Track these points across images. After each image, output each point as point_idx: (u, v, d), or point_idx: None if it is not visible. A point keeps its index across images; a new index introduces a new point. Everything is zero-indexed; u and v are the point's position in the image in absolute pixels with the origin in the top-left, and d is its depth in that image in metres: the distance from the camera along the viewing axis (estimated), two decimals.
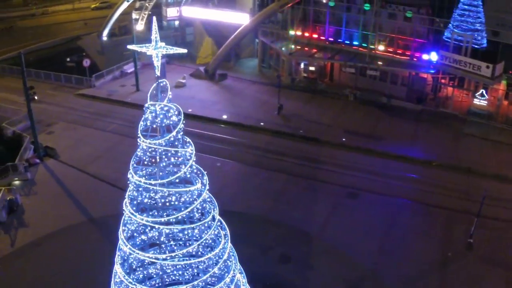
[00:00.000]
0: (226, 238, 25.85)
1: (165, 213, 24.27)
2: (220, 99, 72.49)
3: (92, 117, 66.02)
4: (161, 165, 23.57)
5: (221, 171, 53.88)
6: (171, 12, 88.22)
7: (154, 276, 25.64)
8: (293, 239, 43.10)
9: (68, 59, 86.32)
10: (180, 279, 25.57)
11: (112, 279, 25.50)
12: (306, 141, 59.81)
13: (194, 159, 24.13)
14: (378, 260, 40.72)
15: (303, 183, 51.43)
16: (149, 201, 23.45)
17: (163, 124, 23.08)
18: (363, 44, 69.89)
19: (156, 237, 24.62)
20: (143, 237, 24.75)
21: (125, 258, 24.52)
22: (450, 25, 61.62)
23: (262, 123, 63.64)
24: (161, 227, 23.70)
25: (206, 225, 24.34)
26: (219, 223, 25.96)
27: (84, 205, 47.79)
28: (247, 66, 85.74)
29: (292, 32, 74.87)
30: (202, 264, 24.51)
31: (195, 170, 24.52)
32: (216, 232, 25.14)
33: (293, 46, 74.55)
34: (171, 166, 23.72)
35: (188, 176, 23.79)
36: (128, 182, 24.04)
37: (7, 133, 58.75)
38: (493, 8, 59.90)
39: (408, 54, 66.46)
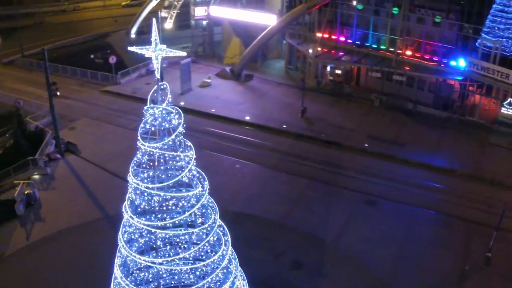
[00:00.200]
0: (227, 245, 25.39)
1: (168, 217, 23.97)
2: (244, 100, 72.15)
3: (115, 114, 66.27)
4: (160, 168, 23.26)
5: (240, 173, 53.53)
6: (199, 12, 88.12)
7: (151, 279, 25.37)
8: (307, 245, 42.44)
9: (92, 56, 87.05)
10: (179, 284, 25.26)
11: (112, 282, 25.36)
12: (328, 145, 59.06)
13: (194, 163, 23.77)
14: (393, 270, 39.79)
15: (322, 188, 50.71)
16: (146, 204, 23.20)
17: (162, 128, 22.78)
18: (390, 49, 68.65)
19: (153, 241, 24.34)
20: (140, 240, 24.49)
21: (124, 261, 24.32)
22: (481, 31, 60.26)
23: (284, 126, 63.08)
24: (157, 231, 23.40)
25: (204, 231, 23.93)
26: (221, 229, 25.52)
27: (101, 202, 47.90)
28: (274, 67, 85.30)
29: (319, 34, 74.08)
30: (199, 270, 24.12)
31: (196, 175, 24.13)
32: (215, 239, 24.70)
33: (319, 48, 73.80)
34: (173, 169, 23.41)
35: (186, 180, 23.39)
36: (128, 184, 23.85)
37: (30, 128, 59.24)
38: None
39: (435, 60, 65.05)
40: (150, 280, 25.38)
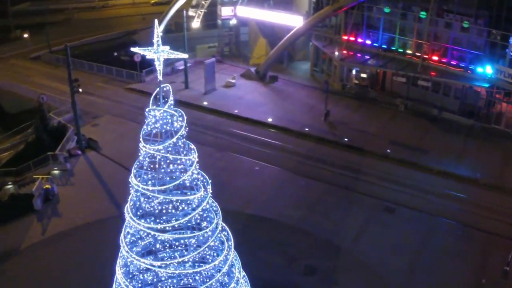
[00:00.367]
0: (230, 250, 25.10)
1: (174, 219, 23.79)
2: (267, 101, 71.86)
3: (138, 112, 66.30)
4: (161, 171, 23.10)
5: (258, 175, 53.26)
6: (225, 11, 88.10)
7: (150, 282, 25.22)
8: (321, 251, 41.93)
9: (115, 54, 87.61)
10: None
11: (114, 283, 25.33)
12: (350, 150, 58.34)
13: (197, 166, 23.53)
14: (407, 279, 39.04)
15: (340, 193, 50.08)
16: (147, 206, 23.08)
17: (163, 130, 22.62)
18: (416, 53, 67.53)
19: (152, 244, 24.21)
20: (140, 242, 24.38)
21: (126, 263, 24.25)
22: (510, 38, 58.84)
23: (307, 129, 62.57)
24: (156, 234, 23.26)
25: (206, 235, 23.68)
26: (225, 233, 25.25)
27: (119, 200, 47.91)
28: (300, 69, 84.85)
29: (345, 37, 73.35)
30: (198, 275, 23.91)
31: (201, 178, 23.91)
32: (216, 243, 24.43)
33: (345, 51, 73.10)
34: (176, 172, 23.22)
35: (188, 184, 23.17)
36: (130, 186, 23.78)
37: (52, 123, 59.82)
38: None
39: (462, 66, 63.70)
40: (150, 283, 25.21)
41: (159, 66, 23.40)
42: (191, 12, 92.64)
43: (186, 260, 23.67)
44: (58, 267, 39.72)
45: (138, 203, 23.55)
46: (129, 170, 50.84)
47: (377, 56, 71.28)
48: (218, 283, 24.47)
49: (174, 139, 22.74)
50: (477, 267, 40.24)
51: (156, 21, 24.41)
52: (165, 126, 22.76)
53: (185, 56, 24.88)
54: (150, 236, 23.93)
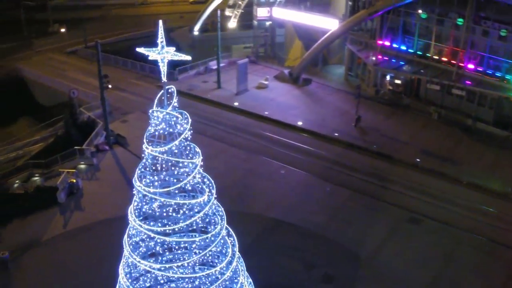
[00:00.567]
0: (234, 255, 24.62)
1: (175, 222, 23.51)
2: (299, 104, 71.29)
3: None
4: (163, 173, 22.83)
5: (284, 179, 52.82)
6: (261, 12, 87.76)
7: (149, 284, 24.98)
8: (341, 259, 41.18)
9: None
10: None
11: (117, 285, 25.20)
12: (378, 157, 57.29)
13: (200, 170, 23.18)
14: None
15: (365, 201, 49.18)
16: (148, 208, 22.90)
17: (165, 132, 22.34)
18: (452, 61, 65.87)
19: (152, 246, 23.95)
20: (141, 243, 24.14)
21: (128, 264, 24.11)
22: None
23: (336, 134, 61.75)
24: (156, 236, 23.04)
25: (207, 240, 23.29)
26: (231, 239, 24.83)
27: None
28: (334, 73, 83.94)
29: (380, 42, 72.16)
30: (203, 279, 23.57)
31: (207, 182, 23.55)
32: (218, 250, 24.01)
33: (379, 56, 71.94)
34: (184, 175, 22.92)
35: (189, 188, 22.81)
36: (133, 188, 23.59)
37: (83, 118, 60.34)
38: None
39: (498, 76, 61.93)
40: (148, 285, 24.98)
41: (162, 67, 22.97)
42: (227, 12, 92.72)
43: (186, 264, 23.30)
44: (75, 261, 40.08)
45: (140, 204, 23.35)
46: None
47: (411, 62, 69.93)
48: (223, 285, 24.13)
49: (177, 142, 22.40)
50: (501, 286, 38.84)
51: (161, 21, 23.93)
52: (167, 128, 22.39)
53: (189, 58, 24.15)
54: (149, 238, 23.66)
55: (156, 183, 23.28)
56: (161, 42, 22.88)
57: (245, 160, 56.15)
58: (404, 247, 42.74)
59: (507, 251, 42.69)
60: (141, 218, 23.86)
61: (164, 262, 24.28)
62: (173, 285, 24.52)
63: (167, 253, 24.46)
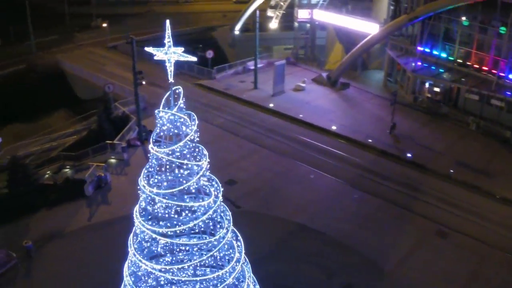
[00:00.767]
0: (238, 262, 24.41)
1: (179, 224, 23.51)
2: (335, 108, 70.62)
3: (203, 109, 66.74)
4: (167, 174, 22.88)
5: (313, 184, 52.29)
6: (302, 14, 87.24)
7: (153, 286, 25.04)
8: (363, 270, 40.34)
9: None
10: None
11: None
12: (411, 166, 56.11)
13: (206, 172, 23.12)
14: None
15: (393, 211, 48.22)
16: (151, 208, 23.02)
17: (170, 134, 22.36)
18: (493, 70, 64.13)
19: (155, 247, 24.00)
20: (144, 244, 24.22)
21: (132, 264, 24.27)
22: None
23: (370, 140, 60.85)
24: (158, 237, 23.10)
25: (210, 245, 23.20)
26: (238, 244, 24.69)
27: None
28: (374, 78, 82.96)
29: (420, 48, 70.86)
30: (204, 283, 23.54)
31: (215, 185, 23.49)
32: (221, 254, 23.85)
33: (419, 63, 70.67)
34: (187, 176, 22.96)
35: (193, 190, 22.78)
36: (138, 188, 23.76)
37: (116, 112, 61.08)
38: None
39: None
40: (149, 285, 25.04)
41: (169, 67, 22.86)
42: (269, 13, 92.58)
43: (187, 267, 23.28)
44: (94, 254, 40.48)
45: (143, 204, 23.55)
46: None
47: (451, 70, 68.42)
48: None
49: (181, 143, 22.38)
50: None
51: (167, 21, 23.62)
52: (172, 129, 22.42)
53: (194, 59, 23.97)
54: (152, 239, 23.68)
55: (160, 184, 23.33)
56: (168, 42, 22.69)
57: (276, 163, 55.88)
58: (429, 261, 41.63)
59: None
60: (147, 219, 23.91)
61: (168, 264, 24.26)
62: (174, 287, 24.56)
63: (168, 255, 24.44)
